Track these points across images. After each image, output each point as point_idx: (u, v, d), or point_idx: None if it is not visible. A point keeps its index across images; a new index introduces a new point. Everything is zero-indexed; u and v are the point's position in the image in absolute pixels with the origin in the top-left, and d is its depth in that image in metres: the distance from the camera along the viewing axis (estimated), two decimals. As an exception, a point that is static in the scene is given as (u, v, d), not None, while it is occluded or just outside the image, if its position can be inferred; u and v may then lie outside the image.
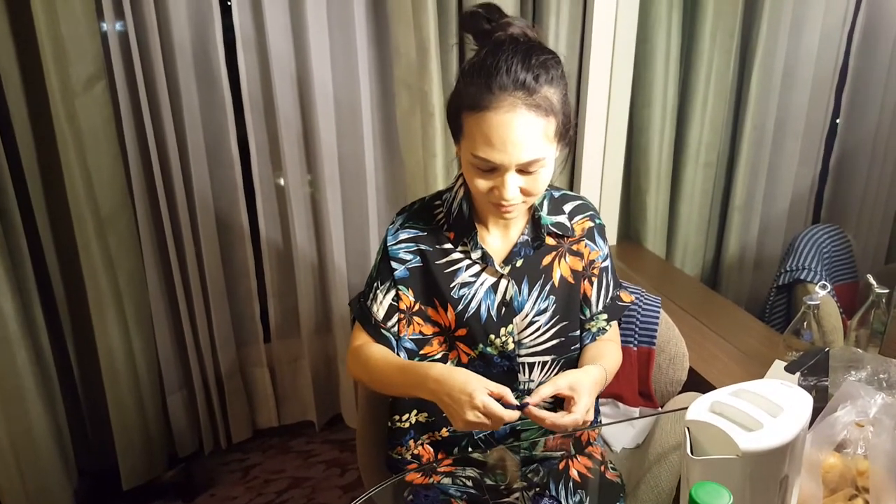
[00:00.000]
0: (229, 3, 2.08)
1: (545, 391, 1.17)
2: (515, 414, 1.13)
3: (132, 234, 2.04)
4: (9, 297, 1.81)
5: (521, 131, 1.12)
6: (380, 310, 1.34)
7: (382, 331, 1.35)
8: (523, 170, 1.16)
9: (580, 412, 1.16)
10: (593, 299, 1.39)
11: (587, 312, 1.39)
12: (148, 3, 1.94)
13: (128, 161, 2.05)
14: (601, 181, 2.44)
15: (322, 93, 2.18)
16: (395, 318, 1.34)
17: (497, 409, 1.11)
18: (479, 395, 1.11)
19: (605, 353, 1.37)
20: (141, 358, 2.12)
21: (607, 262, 1.40)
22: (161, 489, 2.29)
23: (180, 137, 2.12)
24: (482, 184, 1.19)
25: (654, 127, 2.41)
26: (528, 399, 1.16)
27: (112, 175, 1.93)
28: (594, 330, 1.40)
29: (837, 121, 2.84)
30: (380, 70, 2.25)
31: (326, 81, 2.18)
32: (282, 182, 2.33)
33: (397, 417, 1.44)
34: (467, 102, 1.15)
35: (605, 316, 1.40)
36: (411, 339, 1.36)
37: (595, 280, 1.38)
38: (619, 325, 1.50)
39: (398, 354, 1.35)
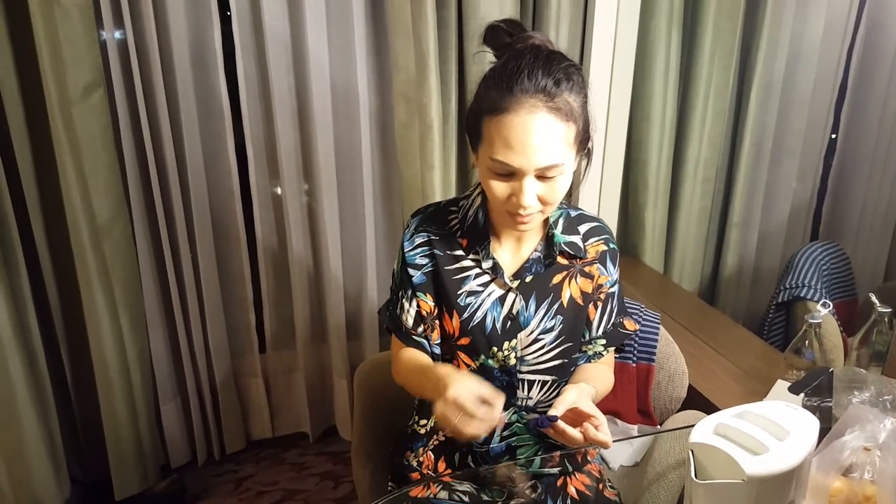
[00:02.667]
0: (229, 13, 2.08)
1: (568, 401, 1.15)
2: (488, 423, 1.09)
3: (128, 242, 2.03)
4: (2, 303, 1.79)
5: (541, 134, 1.11)
6: (408, 318, 1.35)
7: (414, 337, 1.36)
8: (542, 175, 1.15)
9: (608, 429, 1.15)
10: (594, 323, 1.38)
11: (586, 335, 1.39)
12: (147, 11, 1.93)
13: (125, 169, 2.04)
14: (599, 195, 2.44)
15: (321, 103, 2.17)
16: (422, 326, 1.36)
17: (468, 403, 1.07)
18: (456, 388, 1.09)
19: (598, 376, 1.36)
20: (135, 366, 2.10)
21: (615, 289, 1.39)
22: (153, 500, 2.27)
23: (178, 145, 2.12)
24: (500, 189, 1.18)
25: (652, 142, 2.41)
26: (552, 412, 1.14)
27: (108, 183, 1.92)
28: (590, 353, 1.40)
29: (834, 136, 2.84)
30: (379, 82, 2.25)
31: (325, 92, 2.17)
32: (279, 191, 2.32)
33: (417, 418, 1.45)
34: (487, 106, 1.14)
35: (603, 341, 1.39)
36: (437, 344, 1.37)
37: (600, 304, 1.37)
38: (618, 350, 1.49)
39: (432, 357, 1.36)
